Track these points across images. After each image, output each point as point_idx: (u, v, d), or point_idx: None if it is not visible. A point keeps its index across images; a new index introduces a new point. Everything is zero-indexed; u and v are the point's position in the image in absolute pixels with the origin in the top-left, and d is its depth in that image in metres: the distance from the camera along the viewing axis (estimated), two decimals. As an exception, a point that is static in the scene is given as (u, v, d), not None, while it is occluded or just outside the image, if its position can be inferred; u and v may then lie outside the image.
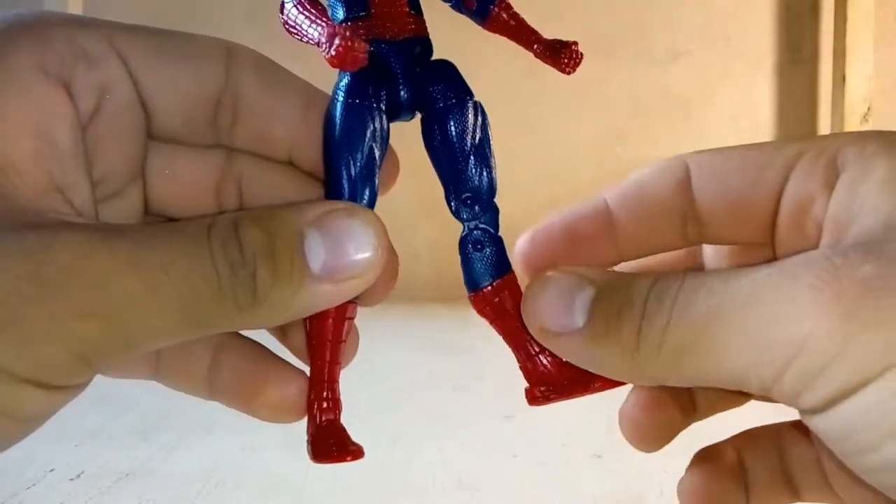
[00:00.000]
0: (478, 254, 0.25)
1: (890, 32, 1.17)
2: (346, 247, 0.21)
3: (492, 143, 0.24)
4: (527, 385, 0.25)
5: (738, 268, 0.20)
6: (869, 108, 1.19)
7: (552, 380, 0.24)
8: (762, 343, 0.19)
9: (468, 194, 0.24)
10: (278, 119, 0.25)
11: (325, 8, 0.24)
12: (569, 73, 0.25)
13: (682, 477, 0.27)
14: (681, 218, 0.25)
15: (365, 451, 0.23)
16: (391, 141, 0.24)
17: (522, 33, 0.25)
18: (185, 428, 0.60)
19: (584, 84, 1.25)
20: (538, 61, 0.25)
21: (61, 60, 0.22)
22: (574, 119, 1.27)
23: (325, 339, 0.24)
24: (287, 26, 0.23)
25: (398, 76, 0.24)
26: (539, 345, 0.24)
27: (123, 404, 0.63)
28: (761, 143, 0.24)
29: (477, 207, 0.24)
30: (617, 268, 0.26)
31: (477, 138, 0.24)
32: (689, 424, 0.28)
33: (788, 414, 0.23)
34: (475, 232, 0.25)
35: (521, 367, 0.25)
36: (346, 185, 0.23)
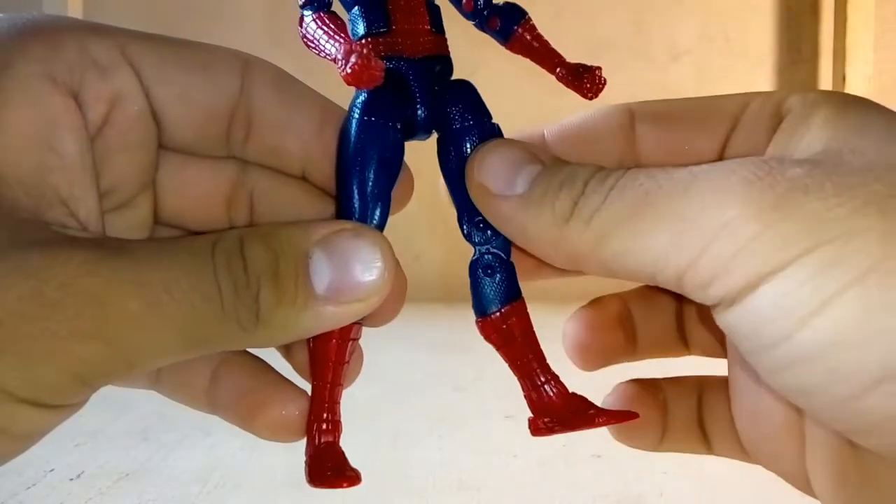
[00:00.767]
0: (488, 279, 0.24)
1: (890, 32, 1.17)
2: (352, 268, 0.21)
3: None
4: (531, 415, 0.25)
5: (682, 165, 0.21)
6: (869, 108, 1.19)
7: (557, 411, 0.24)
8: (684, 226, 0.19)
9: (480, 218, 0.24)
10: (293, 133, 0.24)
11: (344, 23, 0.23)
12: (591, 99, 0.24)
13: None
14: (617, 163, 0.25)
15: (362, 477, 0.22)
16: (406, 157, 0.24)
17: (545, 56, 0.25)
18: (186, 428, 0.60)
19: (584, 84, 1.25)
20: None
21: (71, 69, 0.21)
22: (574, 119, 1.27)
23: (328, 360, 0.23)
24: (305, 40, 0.23)
25: (416, 95, 0.23)
26: (546, 375, 0.24)
27: (123, 404, 0.63)
28: (708, 96, 0.25)
29: (489, 231, 0.24)
30: None
31: None
32: (627, 359, 0.28)
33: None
34: (486, 256, 0.24)
35: (525, 397, 0.25)
36: (357, 204, 0.23)
